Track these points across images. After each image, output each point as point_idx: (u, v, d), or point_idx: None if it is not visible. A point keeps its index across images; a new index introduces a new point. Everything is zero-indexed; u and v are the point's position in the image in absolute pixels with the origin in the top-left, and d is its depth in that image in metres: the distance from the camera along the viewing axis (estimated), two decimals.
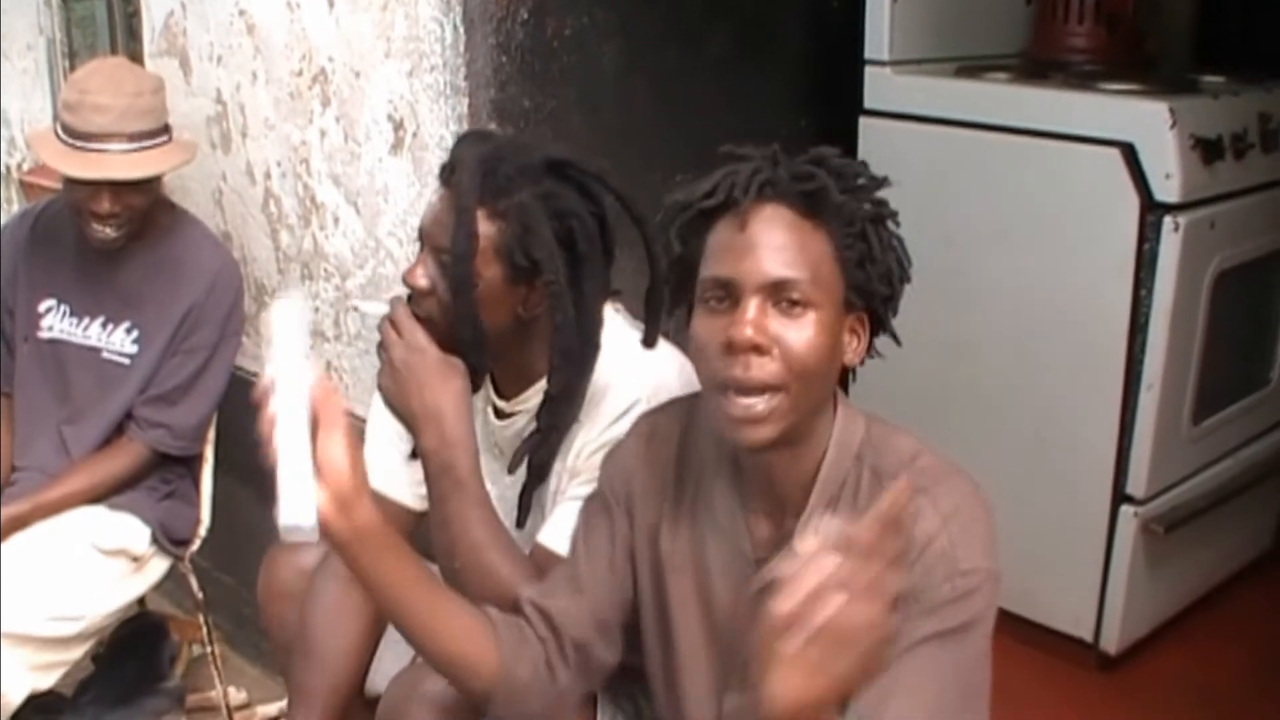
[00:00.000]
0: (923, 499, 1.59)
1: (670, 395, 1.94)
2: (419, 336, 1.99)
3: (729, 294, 1.62)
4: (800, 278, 1.59)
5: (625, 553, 1.87)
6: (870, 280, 1.63)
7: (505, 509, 2.19)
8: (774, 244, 1.60)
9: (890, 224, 1.66)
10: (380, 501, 2.13)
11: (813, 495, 1.67)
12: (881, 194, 1.68)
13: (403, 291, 2.04)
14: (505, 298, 1.99)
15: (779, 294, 1.59)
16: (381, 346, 2.02)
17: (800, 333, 1.59)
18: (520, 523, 2.14)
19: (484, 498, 2.02)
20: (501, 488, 2.18)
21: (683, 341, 1.79)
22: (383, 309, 2.03)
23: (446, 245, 1.96)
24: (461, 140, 2.11)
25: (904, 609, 1.55)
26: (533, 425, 2.09)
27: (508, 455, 2.15)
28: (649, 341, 2.08)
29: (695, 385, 1.73)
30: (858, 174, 1.65)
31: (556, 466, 2.09)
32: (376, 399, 2.14)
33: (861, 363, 1.71)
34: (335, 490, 1.59)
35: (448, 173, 2.01)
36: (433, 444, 1.99)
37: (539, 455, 2.07)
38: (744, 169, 1.64)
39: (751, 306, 1.60)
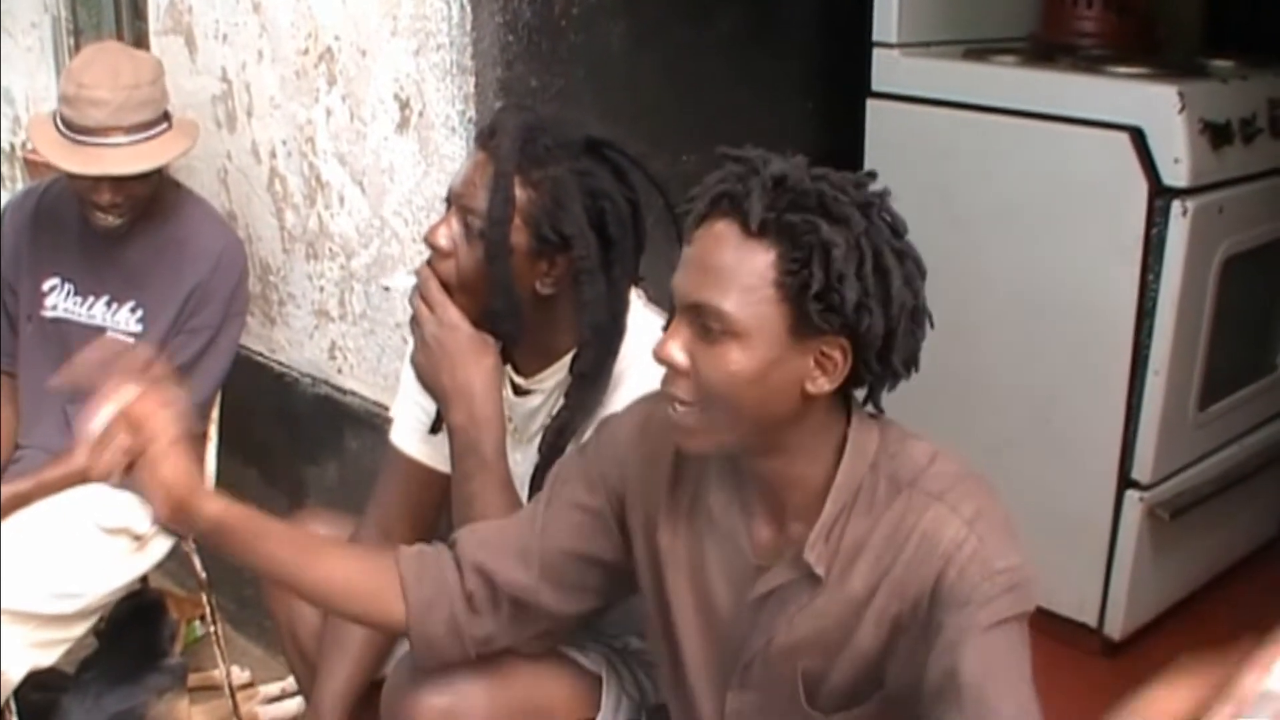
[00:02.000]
0: (941, 506, 1.58)
1: None
2: (451, 313, 1.99)
3: (675, 305, 1.61)
4: (720, 305, 1.53)
5: (596, 522, 1.86)
6: (815, 311, 1.52)
7: (519, 483, 2.19)
8: (708, 264, 1.55)
9: (855, 251, 1.53)
10: (414, 468, 2.24)
11: (827, 504, 1.63)
12: (864, 218, 1.55)
13: (423, 261, 2.04)
14: (526, 270, 1.99)
15: (699, 318, 1.56)
16: (414, 321, 2.02)
17: (715, 360, 1.56)
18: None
19: (507, 479, 2.03)
20: (511, 464, 2.18)
21: None
22: (410, 281, 2.02)
23: (476, 207, 1.96)
24: (504, 109, 2.11)
25: (951, 617, 1.54)
26: (547, 404, 2.09)
27: (522, 431, 2.16)
28: None
29: None
30: (822, 194, 1.54)
31: (570, 448, 2.08)
32: (406, 366, 2.17)
33: (849, 387, 1.63)
34: (169, 498, 1.70)
35: (486, 136, 2.00)
36: (461, 420, 2.00)
37: (562, 436, 2.06)
38: (713, 178, 1.59)
39: (678, 324, 1.59)
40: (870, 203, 1.58)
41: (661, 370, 1.62)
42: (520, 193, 1.95)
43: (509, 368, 2.16)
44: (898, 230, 1.59)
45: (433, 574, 1.84)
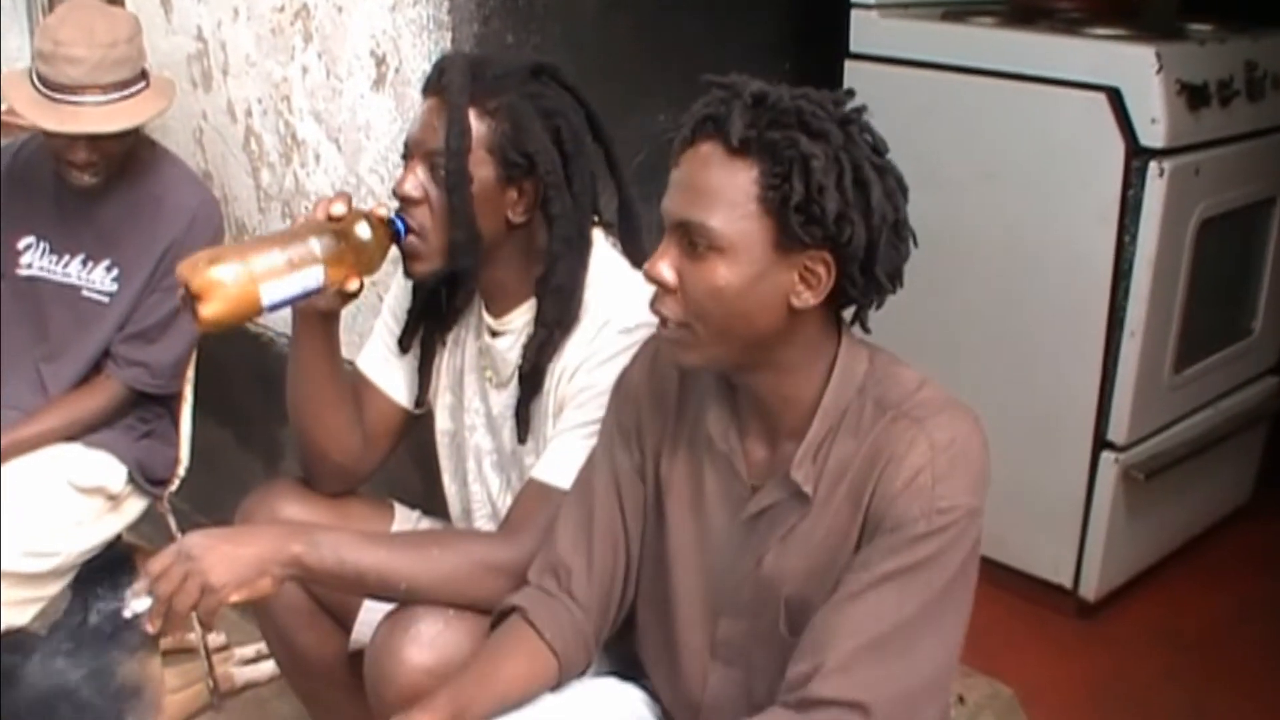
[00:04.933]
0: (917, 430, 1.61)
1: (643, 314, 1.89)
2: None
3: (664, 226, 1.66)
4: (705, 222, 1.58)
5: (633, 488, 1.90)
6: (796, 223, 1.56)
7: (496, 428, 2.22)
8: (693, 184, 1.60)
9: (834, 164, 1.56)
10: (370, 391, 2.30)
11: (814, 423, 1.68)
12: (843, 132, 1.59)
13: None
14: (497, 200, 2.02)
15: (686, 236, 1.61)
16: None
17: (701, 277, 1.61)
18: (522, 438, 2.16)
19: (374, 540, 2.06)
20: (490, 405, 2.20)
21: None
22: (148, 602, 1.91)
23: (437, 147, 1.98)
24: (444, 55, 2.13)
25: (879, 539, 1.60)
26: (519, 343, 2.11)
27: (501, 372, 2.18)
28: (637, 263, 2.10)
29: None
30: (801, 110, 1.57)
31: (546, 385, 2.10)
32: (389, 298, 2.29)
33: (838, 305, 1.68)
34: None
35: (435, 79, 2.03)
36: (299, 550, 1.96)
37: (541, 358, 2.08)
38: (698, 104, 1.63)
39: (667, 244, 1.64)
40: (849, 119, 1.62)
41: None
42: (479, 124, 1.99)
43: (483, 310, 2.19)
44: (878, 148, 1.64)
45: (567, 624, 1.88)
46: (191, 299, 1.89)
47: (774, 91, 1.60)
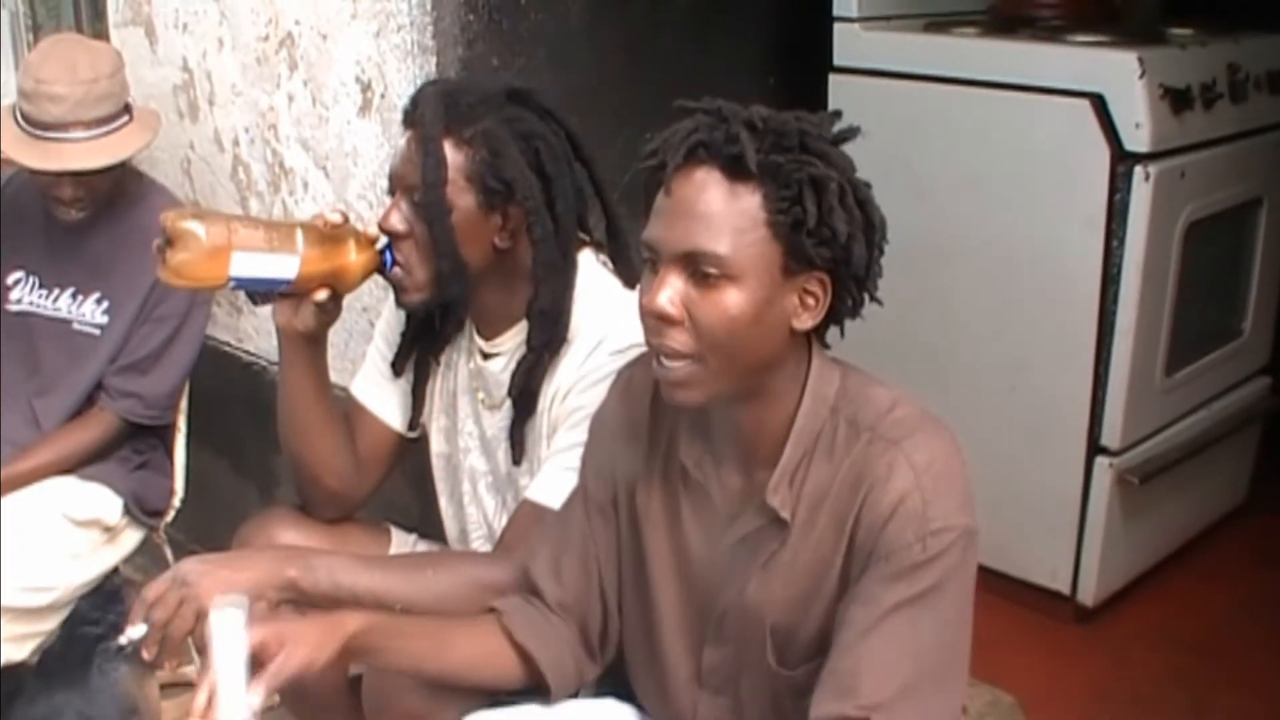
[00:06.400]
0: (895, 452, 1.59)
1: (635, 334, 1.93)
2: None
3: (654, 258, 1.60)
4: (715, 250, 1.54)
5: (605, 524, 1.88)
6: (809, 245, 1.55)
7: (490, 450, 2.22)
8: (695, 211, 1.55)
9: (838, 184, 1.56)
10: (362, 415, 2.30)
11: (786, 448, 1.65)
12: (837, 152, 1.60)
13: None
14: (481, 227, 2.02)
15: (693, 265, 1.56)
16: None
17: (713, 306, 1.56)
18: (516, 460, 2.17)
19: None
20: (484, 427, 2.20)
21: None
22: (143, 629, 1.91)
23: (417, 181, 1.99)
24: (421, 86, 2.14)
25: (875, 569, 1.57)
26: (511, 365, 2.11)
27: (493, 394, 2.18)
28: (628, 282, 2.11)
29: None
30: (802, 131, 1.57)
31: (540, 405, 2.10)
32: (380, 323, 2.30)
33: (826, 324, 1.66)
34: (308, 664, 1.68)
35: (411, 111, 2.05)
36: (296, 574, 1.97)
37: (530, 380, 2.08)
38: (681, 129, 1.59)
39: (667, 276, 1.58)
40: (843, 138, 1.62)
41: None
42: (456, 154, 1.99)
43: (475, 333, 2.20)
44: (853, 165, 1.63)
45: (548, 633, 1.87)
46: (165, 247, 1.91)
47: (771, 114, 1.58)
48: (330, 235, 2.02)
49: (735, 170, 1.54)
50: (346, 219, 2.04)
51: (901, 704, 1.53)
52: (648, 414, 1.83)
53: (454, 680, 1.87)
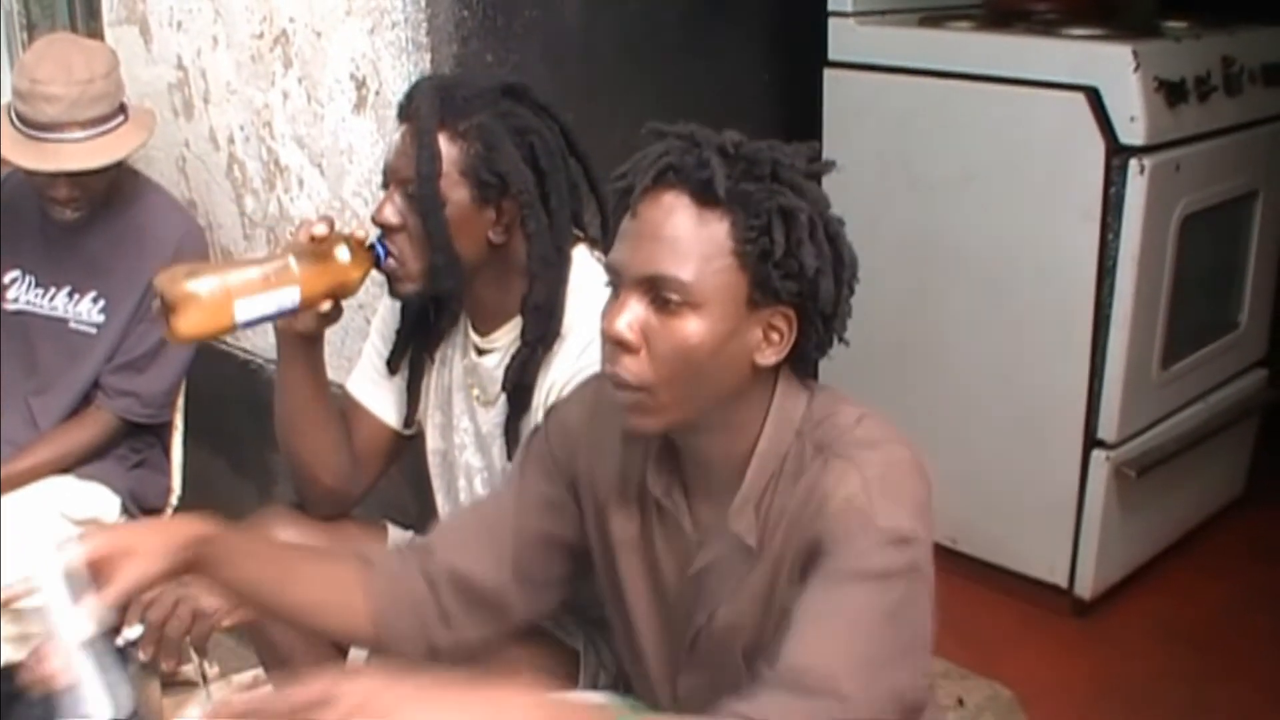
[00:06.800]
0: (847, 464, 1.54)
1: None
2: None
3: (617, 281, 1.57)
4: (679, 276, 1.49)
5: (559, 510, 1.83)
6: (775, 277, 1.51)
7: (485, 446, 2.23)
8: (660, 235, 1.51)
9: (809, 217, 1.52)
10: (359, 413, 2.29)
11: (748, 474, 1.61)
12: (811, 185, 1.55)
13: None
14: (475, 221, 2.03)
15: (655, 291, 1.51)
16: None
17: (672, 334, 1.51)
18: (511, 455, 2.15)
19: None
20: (479, 423, 2.21)
21: None
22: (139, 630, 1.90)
23: (411, 174, 2.00)
24: (417, 81, 2.14)
25: (820, 563, 1.50)
26: (505, 360, 2.11)
27: (488, 390, 2.18)
28: None
29: None
30: (775, 160, 1.53)
31: (535, 401, 2.10)
32: (375, 321, 2.29)
33: (792, 360, 1.60)
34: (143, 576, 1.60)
35: (406, 105, 2.05)
36: None
37: (524, 375, 2.08)
38: (652, 152, 1.55)
39: (628, 300, 1.54)
40: (816, 171, 1.58)
41: None
42: (451, 147, 2.00)
43: (470, 328, 2.20)
44: (827, 200, 1.59)
45: (405, 596, 1.80)
46: (166, 311, 1.91)
47: (744, 142, 1.54)
48: (321, 249, 2.01)
49: (704, 196, 1.50)
50: (332, 225, 2.04)
51: (835, 678, 1.44)
52: (619, 441, 1.76)
53: (290, 618, 1.80)
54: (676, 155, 1.52)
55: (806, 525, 1.54)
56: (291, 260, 1.99)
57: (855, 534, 1.48)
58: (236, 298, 1.93)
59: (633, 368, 1.54)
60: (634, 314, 1.53)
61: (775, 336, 1.56)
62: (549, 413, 1.90)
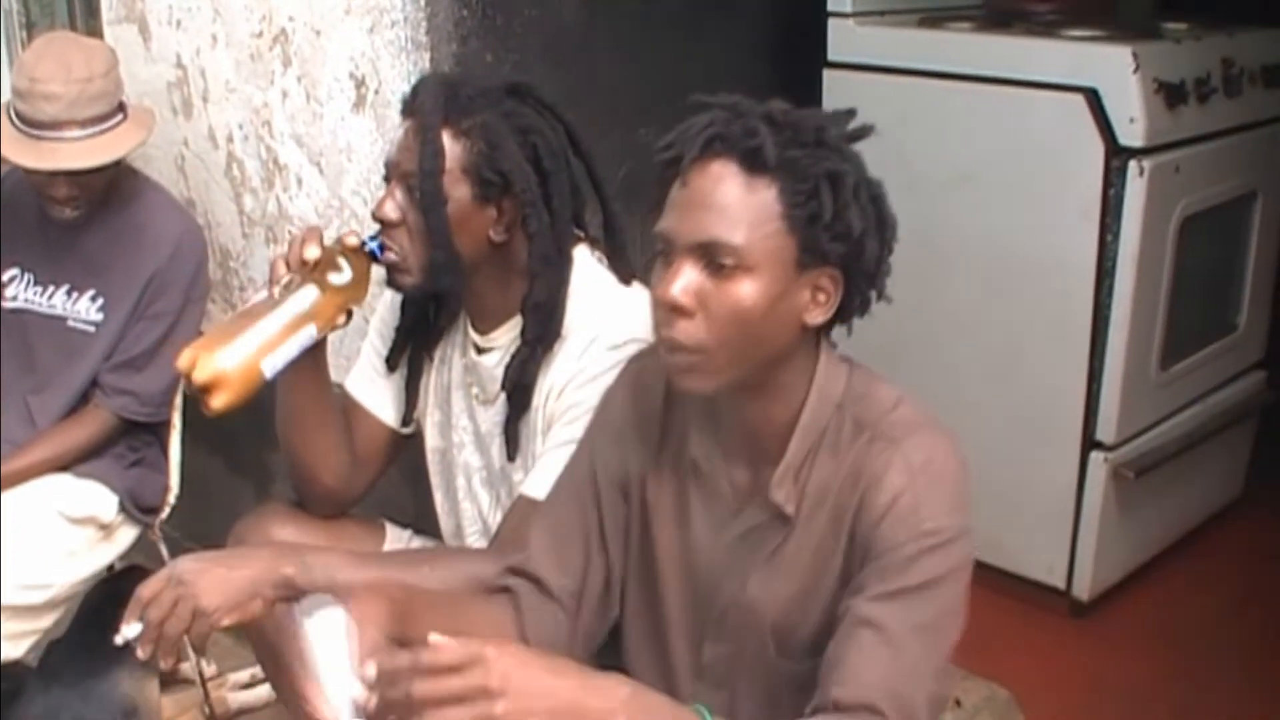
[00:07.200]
0: (893, 451, 1.60)
1: (630, 330, 1.95)
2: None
3: (668, 249, 1.61)
4: (731, 240, 1.55)
5: (614, 505, 1.87)
6: (824, 239, 1.56)
7: (484, 445, 2.24)
8: (711, 203, 1.56)
9: (854, 180, 1.58)
10: (358, 412, 2.30)
11: (791, 444, 1.66)
12: (851, 150, 1.62)
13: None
14: (476, 219, 2.03)
15: (709, 256, 1.57)
16: None
17: (727, 297, 1.56)
18: (511, 455, 2.16)
19: None
20: (478, 422, 2.21)
21: None
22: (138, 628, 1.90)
23: (413, 169, 2.00)
24: (422, 78, 2.14)
25: (870, 566, 1.58)
26: (505, 359, 2.11)
27: (487, 389, 2.18)
28: (623, 278, 2.12)
29: None
30: (819, 127, 1.58)
31: (535, 401, 2.10)
32: (374, 320, 2.29)
33: (835, 320, 1.67)
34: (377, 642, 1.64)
35: (410, 101, 2.05)
36: None
37: (524, 375, 2.08)
38: (698, 122, 1.60)
39: (681, 266, 1.58)
40: (857, 135, 1.63)
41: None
42: (454, 145, 2.00)
43: (470, 327, 2.20)
44: (864, 163, 1.64)
45: (549, 623, 1.86)
46: (198, 391, 1.92)
47: (789, 109, 1.59)
48: (320, 277, 2.00)
49: (752, 163, 1.55)
50: (320, 239, 2.02)
51: (889, 695, 1.52)
52: (660, 408, 1.84)
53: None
54: (722, 124, 1.57)
55: (852, 512, 1.62)
56: (300, 301, 1.98)
57: (903, 542, 1.56)
58: (262, 359, 1.94)
59: (689, 330, 1.59)
60: (688, 279, 1.58)
61: (822, 297, 1.62)
62: (599, 407, 1.93)
